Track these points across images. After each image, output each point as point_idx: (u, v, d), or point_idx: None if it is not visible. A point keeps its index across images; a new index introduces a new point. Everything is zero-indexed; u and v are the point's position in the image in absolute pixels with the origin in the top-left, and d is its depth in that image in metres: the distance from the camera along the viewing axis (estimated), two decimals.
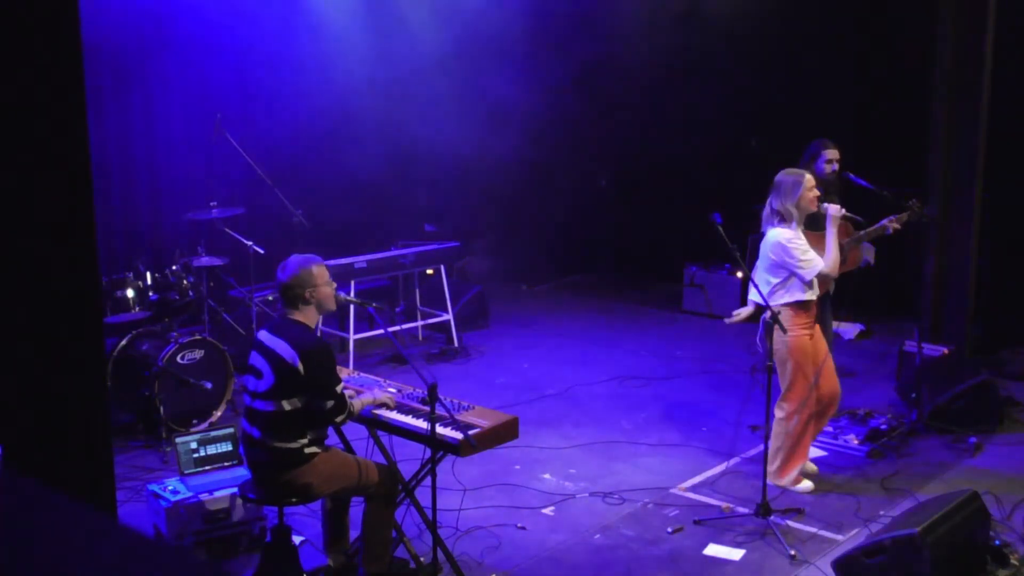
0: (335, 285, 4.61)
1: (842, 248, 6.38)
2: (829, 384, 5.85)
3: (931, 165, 7.97)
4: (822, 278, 5.60)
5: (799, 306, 5.54)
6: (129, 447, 6.41)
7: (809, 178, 5.59)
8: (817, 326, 5.81)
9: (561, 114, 10.34)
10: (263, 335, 4.46)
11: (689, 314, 9.84)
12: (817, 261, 5.51)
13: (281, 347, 4.33)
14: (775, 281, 5.55)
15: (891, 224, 6.40)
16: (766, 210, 5.65)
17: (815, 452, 6.29)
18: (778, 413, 5.72)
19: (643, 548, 5.17)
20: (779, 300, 5.54)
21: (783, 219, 5.56)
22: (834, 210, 5.58)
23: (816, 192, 5.60)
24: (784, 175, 5.61)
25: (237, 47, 8.39)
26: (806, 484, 5.80)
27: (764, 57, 9.86)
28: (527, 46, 9.56)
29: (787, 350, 5.59)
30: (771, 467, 5.70)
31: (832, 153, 6.51)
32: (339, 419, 4.40)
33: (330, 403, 4.34)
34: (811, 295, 5.57)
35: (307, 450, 4.36)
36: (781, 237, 5.51)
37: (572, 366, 8.23)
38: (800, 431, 5.63)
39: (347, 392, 4.54)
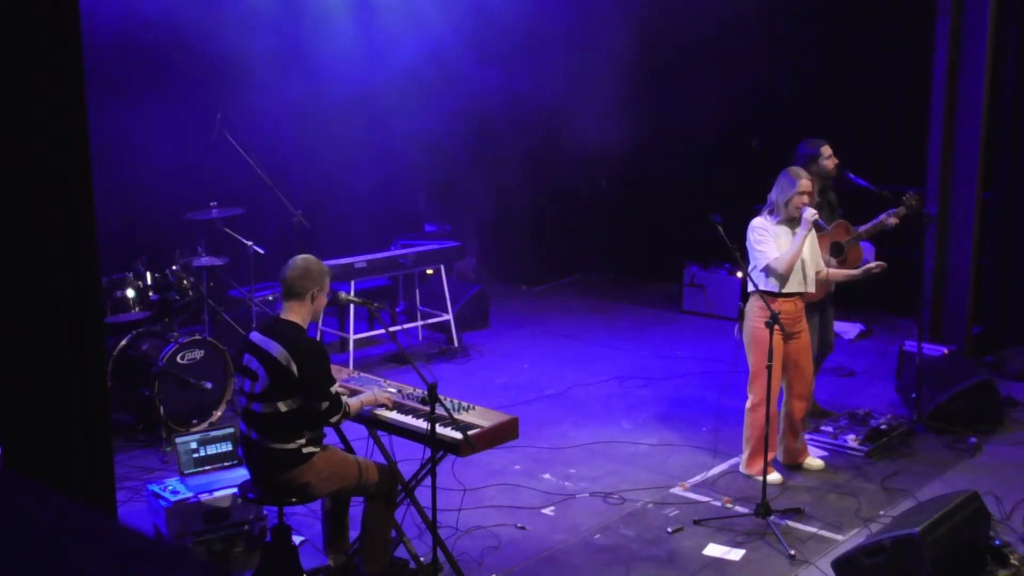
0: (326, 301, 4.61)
1: (842, 247, 6.41)
2: (797, 387, 5.92)
3: (931, 165, 7.97)
4: (775, 273, 5.69)
5: (764, 295, 5.66)
6: (129, 447, 6.41)
7: (804, 183, 5.66)
8: (803, 329, 5.83)
9: (560, 113, 10.33)
10: (255, 336, 4.43)
11: (689, 314, 9.84)
12: (769, 254, 5.65)
13: (273, 348, 4.31)
14: (751, 266, 5.77)
15: (889, 219, 6.41)
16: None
17: (815, 452, 6.30)
18: (747, 403, 5.90)
19: (643, 548, 5.17)
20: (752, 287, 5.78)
21: (773, 211, 5.72)
22: (808, 214, 5.68)
23: (805, 200, 5.66)
24: (787, 173, 5.75)
25: (238, 46, 8.38)
26: (775, 476, 5.83)
27: (764, 57, 9.85)
28: (525, 46, 9.55)
29: (749, 339, 5.77)
30: (743, 454, 6.00)
31: (827, 149, 6.53)
32: (334, 420, 4.38)
33: (325, 404, 4.32)
34: (775, 286, 5.69)
35: (305, 450, 4.35)
36: (753, 223, 5.76)
37: (572, 366, 8.23)
38: (764, 423, 5.59)
39: (343, 392, 4.54)
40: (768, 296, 5.66)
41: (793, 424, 6.03)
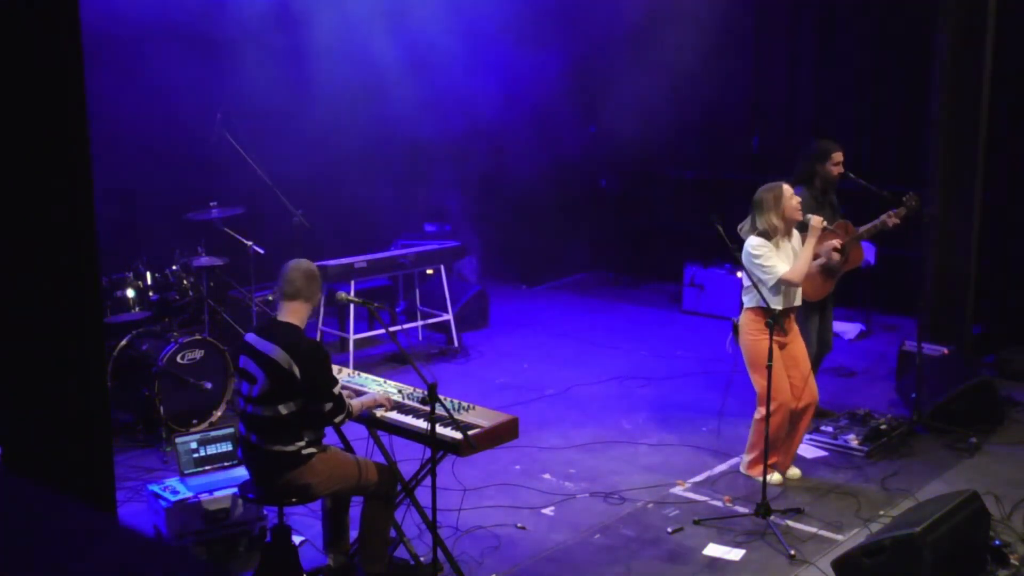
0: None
1: (843, 249, 6.40)
2: (805, 392, 5.90)
3: (931, 165, 7.96)
4: (789, 285, 5.65)
5: (759, 311, 5.64)
6: (129, 447, 6.41)
7: (787, 188, 5.69)
8: (793, 334, 5.83)
9: (560, 114, 10.34)
10: (252, 338, 4.41)
11: (689, 314, 9.84)
12: (779, 269, 5.60)
13: (273, 351, 4.29)
14: (745, 285, 5.74)
15: (889, 219, 6.40)
16: (746, 226, 5.74)
17: (815, 452, 6.30)
18: (756, 415, 5.85)
19: (643, 548, 5.17)
20: (746, 303, 5.75)
21: (766, 235, 5.64)
22: (815, 221, 5.69)
23: (798, 200, 5.69)
24: (762, 192, 5.68)
25: (238, 44, 8.38)
26: (775, 476, 5.83)
27: (764, 56, 9.85)
28: (524, 46, 9.55)
29: (747, 353, 5.77)
30: (745, 458, 6.00)
31: (839, 156, 6.50)
32: (338, 420, 4.39)
33: (328, 405, 4.32)
34: (774, 303, 5.62)
35: (305, 451, 4.35)
36: (750, 246, 5.66)
37: (572, 366, 8.23)
38: (773, 432, 5.62)
39: (345, 392, 4.53)
40: (763, 312, 5.61)
41: (792, 430, 5.94)
